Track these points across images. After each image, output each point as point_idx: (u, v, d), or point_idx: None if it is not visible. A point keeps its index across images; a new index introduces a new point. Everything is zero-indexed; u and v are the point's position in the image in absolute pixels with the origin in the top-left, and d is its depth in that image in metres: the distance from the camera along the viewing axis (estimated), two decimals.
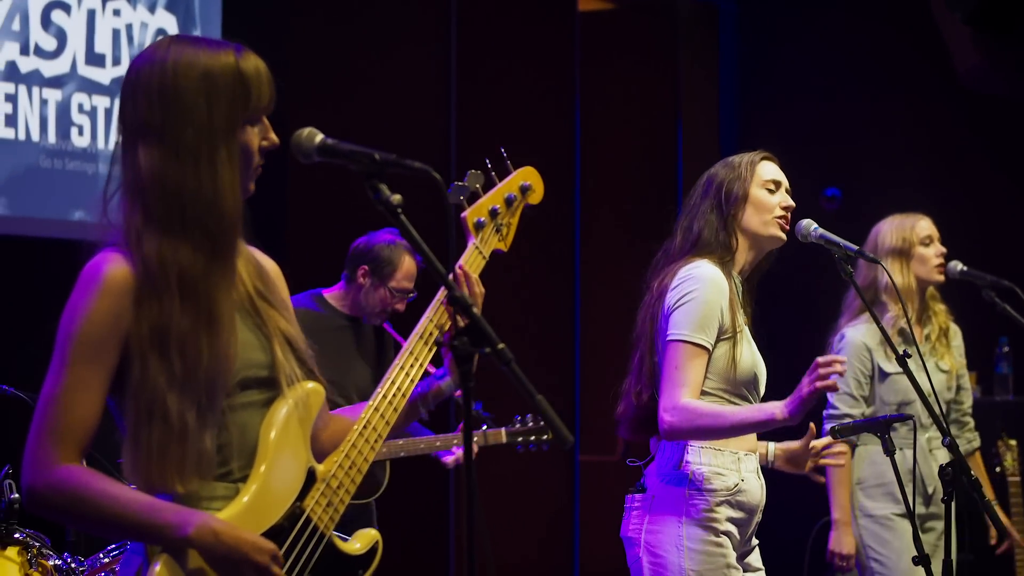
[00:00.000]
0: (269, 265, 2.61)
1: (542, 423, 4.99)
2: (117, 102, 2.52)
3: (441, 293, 2.57)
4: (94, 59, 6.02)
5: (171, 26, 6.34)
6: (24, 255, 5.71)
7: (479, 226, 2.69)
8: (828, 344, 5.04)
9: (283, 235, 6.54)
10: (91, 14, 6.03)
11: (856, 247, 3.62)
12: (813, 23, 8.54)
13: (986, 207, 7.59)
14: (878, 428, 3.49)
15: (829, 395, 4.94)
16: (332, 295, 4.95)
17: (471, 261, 2.67)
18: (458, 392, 2.46)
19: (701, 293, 3.53)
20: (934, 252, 5.04)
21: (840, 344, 4.99)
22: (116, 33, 6.13)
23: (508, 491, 7.49)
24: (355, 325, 4.94)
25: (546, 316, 7.92)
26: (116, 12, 6.13)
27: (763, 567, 3.71)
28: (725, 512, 3.54)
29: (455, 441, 4.91)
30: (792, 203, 3.72)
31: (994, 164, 7.62)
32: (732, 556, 3.56)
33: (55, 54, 5.85)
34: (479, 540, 2.24)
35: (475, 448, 4.92)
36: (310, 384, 2.51)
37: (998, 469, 5.57)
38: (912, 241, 5.00)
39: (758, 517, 3.65)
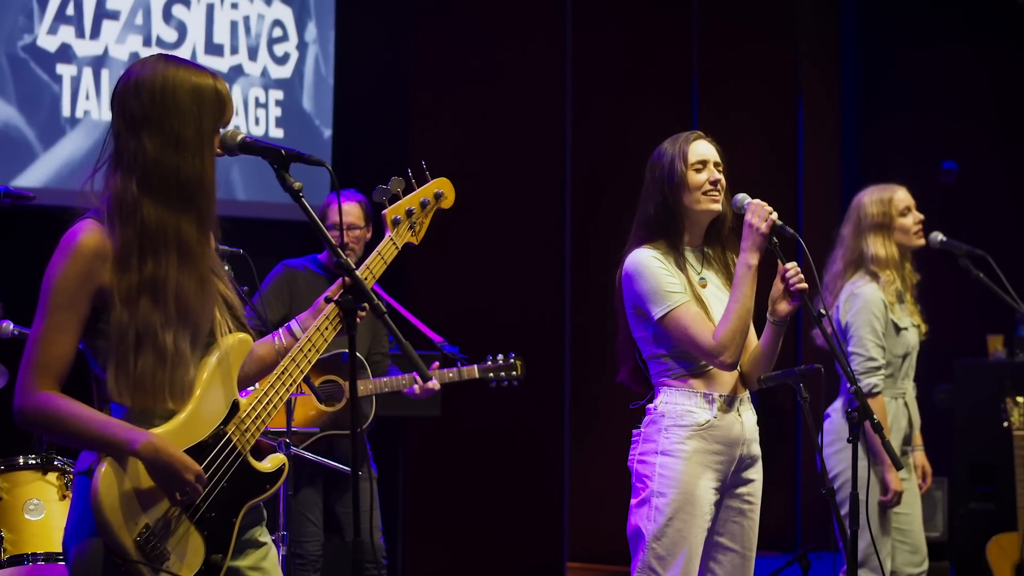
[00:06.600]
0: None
1: (512, 360, 5.43)
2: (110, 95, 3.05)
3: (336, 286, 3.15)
4: (213, 49, 6.60)
5: (287, 18, 6.87)
6: None
7: (396, 223, 3.25)
8: (818, 301, 5.20)
9: None
10: (210, 8, 6.60)
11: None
12: None
13: None
14: (791, 378, 3.77)
15: (864, 349, 5.19)
16: (324, 255, 5.55)
17: (385, 250, 3.24)
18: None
19: (643, 272, 3.99)
20: (912, 220, 5.31)
21: (854, 302, 5.22)
22: (234, 24, 6.68)
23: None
24: None
25: None
26: (234, 5, 6.69)
27: (756, 504, 4.08)
28: (696, 445, 3.96)
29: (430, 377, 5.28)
30: (719, 176, 4.05)
31: None
32: (703, 485, 3.97)
33: (176, 45, 6.46)
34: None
35: (447, 380, 5.44)
36: (240, 335, 3.11)
37: (1005, 424, 5.86)
38: (891, 214, 5.28)
39: (743, 451, 4.03)
